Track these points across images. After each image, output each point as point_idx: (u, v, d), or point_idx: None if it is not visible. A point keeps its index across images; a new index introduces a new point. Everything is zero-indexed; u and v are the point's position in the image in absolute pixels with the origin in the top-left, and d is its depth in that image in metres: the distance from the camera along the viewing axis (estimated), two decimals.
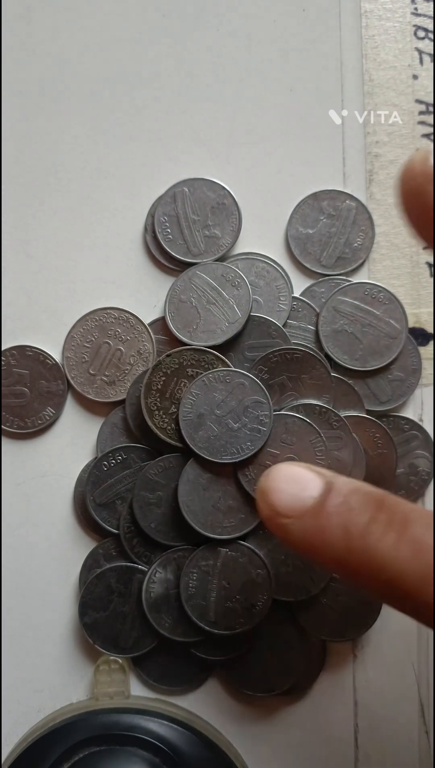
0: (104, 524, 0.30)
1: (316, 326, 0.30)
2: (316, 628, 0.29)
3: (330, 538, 0.20)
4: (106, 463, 0.30)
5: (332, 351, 0.30)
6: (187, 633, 0.29)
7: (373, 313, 0.30)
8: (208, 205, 0.30)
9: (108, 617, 0.30)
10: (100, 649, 0.30)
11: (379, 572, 0.19)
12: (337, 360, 0.30)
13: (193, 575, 0.29)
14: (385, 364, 0.30)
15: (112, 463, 0.30)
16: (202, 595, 0.29)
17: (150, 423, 0.29)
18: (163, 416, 0.29)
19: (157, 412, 0.29)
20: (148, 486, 0.29)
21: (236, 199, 0.30)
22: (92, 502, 0.30)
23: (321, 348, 0.30)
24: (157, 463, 0.29)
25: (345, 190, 0.31)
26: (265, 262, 0.30)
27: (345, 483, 0.21)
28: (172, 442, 0.29)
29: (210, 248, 0.30)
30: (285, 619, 0.30)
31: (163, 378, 0.29)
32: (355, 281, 0.30)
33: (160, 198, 0.30)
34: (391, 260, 0.31)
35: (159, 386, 0.29)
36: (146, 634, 0.29)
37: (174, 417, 0.29)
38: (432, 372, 0.31)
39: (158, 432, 0.29)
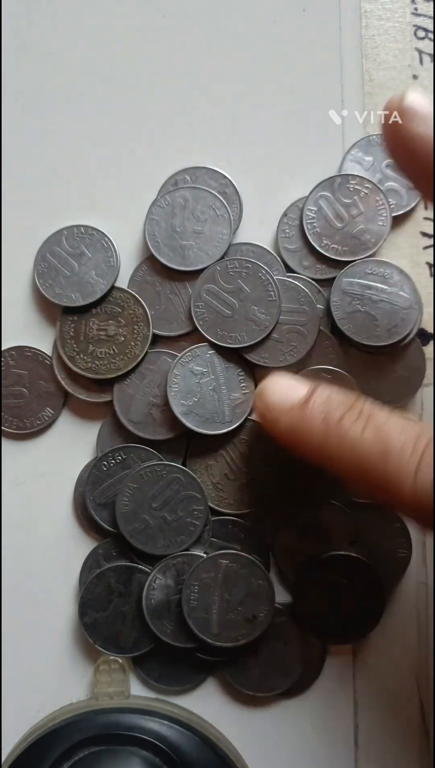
0: (104, 524, 0.30)
1: (328, 312, 0.30)
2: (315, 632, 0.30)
3: (311, 427, 0.24)
4: (105, 463, 0.30)
5: (353, 333, 0.30)
6: (188, 639, 0.29)
7: (382, 288, 0.30)
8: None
9: (108, 617, 0.30)
10: (100, 649, 0.30)
11: (350, 452, 0.23)
12: (358, 341, 0.30)
13: (194, 588, 0.29)
14: (406, 334, 0.30)
15: (112, 463, 0.30)
16: (204, 608, 0.29)
17: (75, 369, 0.30)
18: (85, 358, 0.30)
19: (78, 356, 0.30)
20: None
21: (238, 188, 0.30)
22: (92, 502, 0.30)
23: (335, 330, 0.30)
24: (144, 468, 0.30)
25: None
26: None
27: (326, 387, 0.25)
28: (99, 377, 0.30)
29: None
30: (285, 619, 0.30)
31: (73, 326, 0.30)
32: (357, 260, 0.30)
33: (162, 187, 0.31)
34: (391, 260, 0.31)
35: (71, 334, 0.30)
36: (146, 634, 0.29)
37: (94, 354, 0.30)
38: (432, 372, 0.31)
39: (86, 373, 0.30)
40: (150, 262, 0.30)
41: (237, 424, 0.29)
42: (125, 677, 0.30)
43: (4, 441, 0.31)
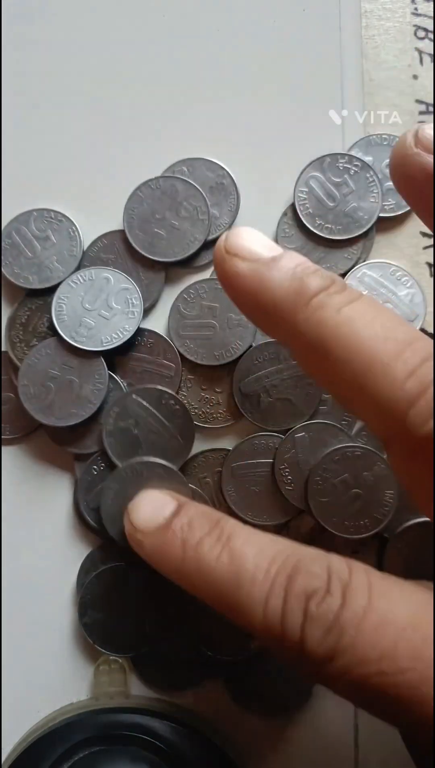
0: (99, 527, 0.30)
1: None
2: None
3: (171, 549, 0.24)
4: (95, 467, 0.30)
5: None
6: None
7: (395, 292, 0.30)
8: (206, 185, 0.30)
9: (107, 617, 0.30)
10: (100, 649, 0.30)
11: (205, 579, 0.23)
12: None
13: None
14: None
15: (102, 466, 0.30)
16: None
17: (11, 355, 0.30)
18: (25, 349, 0.30)
19: (18, 344, 0.30)
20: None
21: (235, 179, 0.30)
22: (86, 507, 0.30)
23: None
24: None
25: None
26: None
27: (193, 506, 0.25)
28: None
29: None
30: None
31: (28, 313, 0.30)
32: (379, 260, 0.30)
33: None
34: (391, 260, 0.31)
35: (23, 320, 0.30)
36: (146, 634, 0.29)
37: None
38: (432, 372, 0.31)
39: (18, 363, 0.30)
40: (110, 237, 0.30)
41: None
42: (125, 677, 0.30)
43: (4, 440, 0.31)
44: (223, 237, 0.24)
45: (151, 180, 0.30)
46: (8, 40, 0.31)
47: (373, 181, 0.30)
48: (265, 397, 0.29)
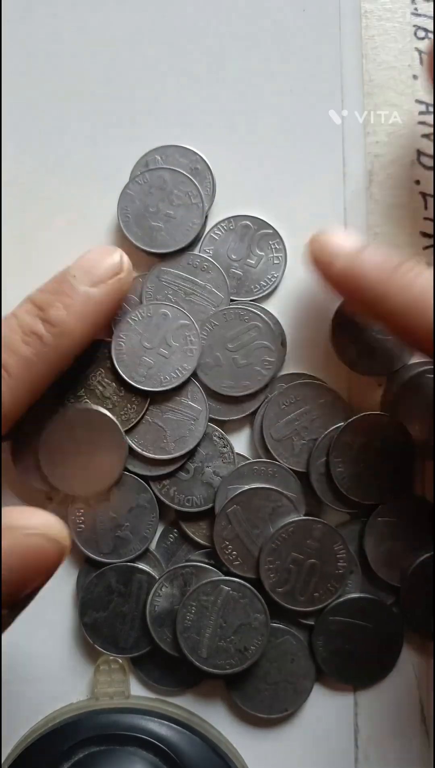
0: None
1: None
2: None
3: (368, 267, 0.26)
4: None
5: None
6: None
7: None
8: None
9: (108, 617, 0.30)
10: (100, 649, 0.30)
11: (405, 295, 0.25)
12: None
13: (191, 608, 0.29)
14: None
15: None
16: (197, 629, 0.29)
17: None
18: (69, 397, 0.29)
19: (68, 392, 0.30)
20: None
21: (209, 165, 0.30)
22: None
23: None
24: None
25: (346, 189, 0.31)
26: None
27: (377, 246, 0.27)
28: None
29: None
30: (289, 637, 0.30)
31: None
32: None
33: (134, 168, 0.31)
34: None
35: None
36: (146, 635, 0.29)
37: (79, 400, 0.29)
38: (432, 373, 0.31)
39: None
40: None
41: None
42: (125, 677, 0.30)
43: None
44: (312, 239, 0.28)
45: (136, 176, 0.30)
46: None
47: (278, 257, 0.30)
48: (298, 440, 0.29)
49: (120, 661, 0.30)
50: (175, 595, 0.29)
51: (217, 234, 0.30)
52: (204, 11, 0.31)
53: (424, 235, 0.31)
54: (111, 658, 0.30)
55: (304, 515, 0.29)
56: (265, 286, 0.30)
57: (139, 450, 0.29)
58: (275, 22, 0.31)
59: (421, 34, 0.31)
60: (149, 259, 0.30)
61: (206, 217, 0.30)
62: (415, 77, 0.31)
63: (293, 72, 0.31)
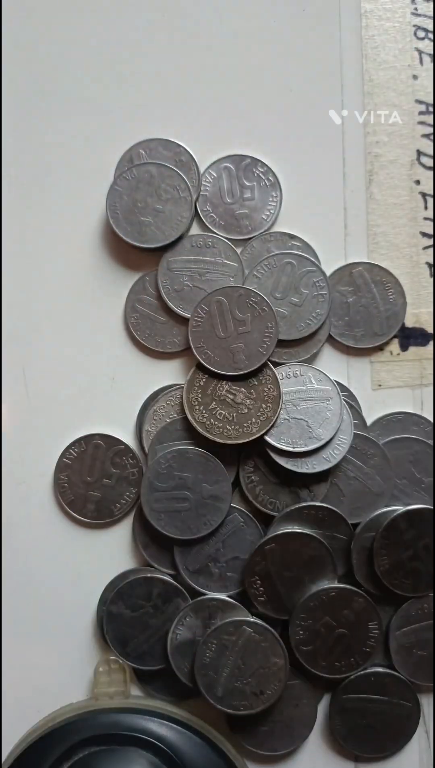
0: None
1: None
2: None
3: None
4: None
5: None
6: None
7: (374, 294, 0.30)
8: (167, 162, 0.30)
9: (132, 618, 0.29)
10: (109, 644, 0.29)
11: None
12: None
13: (212, 645, 0.29)
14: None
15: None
16: (215, 668, 0.28)
17: (189, 417, 0.29)
18: (203, 411, 0.29)
19: (197, 407, 0.29)
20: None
21: (194, 156, 0.30)
22: None
23: None
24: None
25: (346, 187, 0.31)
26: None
27: None
28: (210, 436, 0.29)
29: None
30: (298, 682, 0.29)
31: (205, 377, 0.29)
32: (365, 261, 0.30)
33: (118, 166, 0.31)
34: (391, 260, 0.31)
35: (201, 383, 0.29)
36: (154, 653, 0.29)
37: (213, 412, 0.29)
38: (432, 372, 0.31)
39: (197, 426, 0.29)
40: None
41: None
42: (125, 677, 0.30)
43: (4, 439, 0.31)
44: None
45: (124, 171, 0.30)
46: None
47: (275, 202, 0.30)
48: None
49: (120, 661, 0.30)
50: (198, 626, 0.29)
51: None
52: (204, 11, 0.31)
53: (424, 235, 0.31)
54: (111, 658, 0.30)
55: (340, 575, 0.29)
56: None
57: (291, 448, 0.29)
58: (275, 21, 0.31)
59: (421, 34, 0.31)
60: (141, 255, 0.30)
61: (195, 208, 0.30)
62: (415, 77, 0.31)
63: (293, 72, 0.31)
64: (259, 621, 0.29)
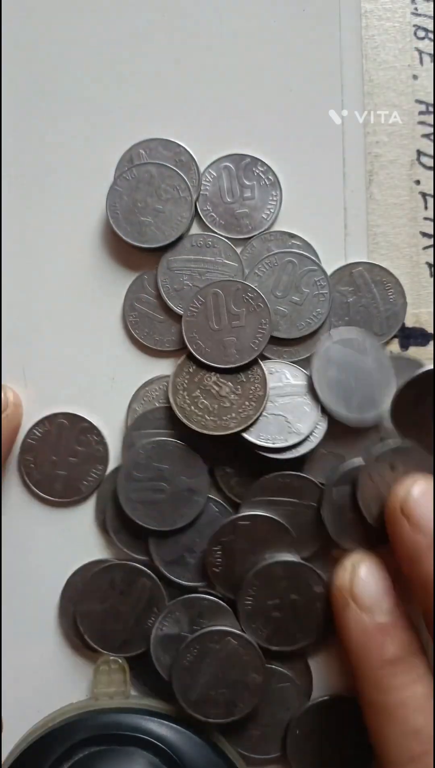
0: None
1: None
2: None
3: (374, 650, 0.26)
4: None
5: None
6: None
7: (374, 294, 0.30)
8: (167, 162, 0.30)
9: (103, 611, 0.29)
10: (89, 641, 0.29)
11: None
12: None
13: (194, 650, 0.28)
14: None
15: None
16: (193, 673, 0.28)
17: (172, 399, 0.29)
18: (186, 397, 0.29)
19: (181, 392, 0.29)
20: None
21: (193, 156, 0.30)
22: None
23: None
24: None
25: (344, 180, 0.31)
26: None
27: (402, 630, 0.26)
28: (187, 423, 0.29)
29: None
30: (289, 685, 0.29)
31: (194, 365, 0.29)
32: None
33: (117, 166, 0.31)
34: (391, 260, 0.31)
35: (190, 369, 0.29)
36: (135, 638, 0.29)
37: (195, 400, 0.29)
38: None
39: (177, 411, 0.29)
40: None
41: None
42: (125, 677, 0.30)
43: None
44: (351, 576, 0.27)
45: (124, 171, 0.30)
46: None
47: (275, 201, 0.30)
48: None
49: (120, 661, 0.30)
50: (185, 623, 0.29)
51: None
52: (204, 11, 0.31)
53: (424, 235, 0.31)
54: (111, 658, 0.30)
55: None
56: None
57: (271, 444, 0.29)
58: (275, 21, 0.31)
59: (421, 34, 0.31)
60: (141, 255, 0.30)
61: (195, 208, 0.30)
62: (415, 77, 0.31)
63: (293, 72, 0.31)
64: (244, 635, 0.28)
